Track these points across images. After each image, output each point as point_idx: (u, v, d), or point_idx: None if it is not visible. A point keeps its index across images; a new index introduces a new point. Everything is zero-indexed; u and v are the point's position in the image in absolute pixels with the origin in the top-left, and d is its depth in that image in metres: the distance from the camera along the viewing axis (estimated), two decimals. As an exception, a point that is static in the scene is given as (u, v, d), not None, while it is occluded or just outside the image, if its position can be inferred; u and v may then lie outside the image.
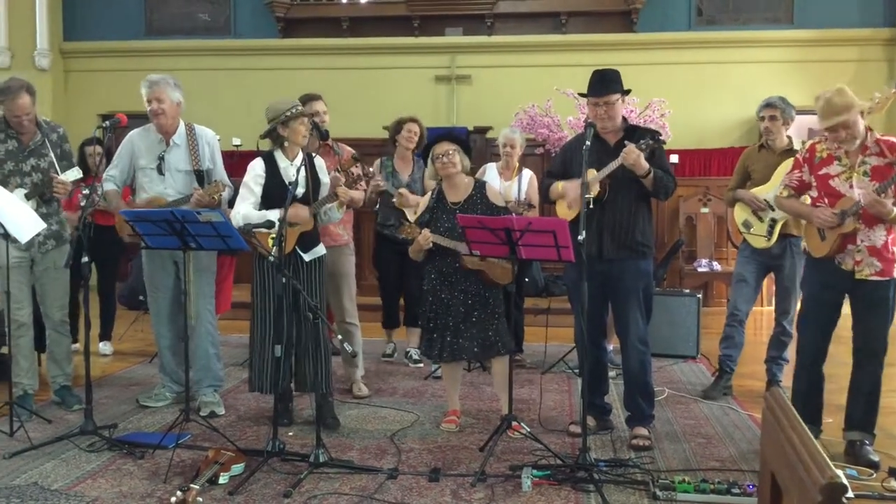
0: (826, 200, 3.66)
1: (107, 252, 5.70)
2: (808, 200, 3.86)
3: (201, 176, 4.40)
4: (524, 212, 5.09)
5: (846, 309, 3.78)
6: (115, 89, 9.94)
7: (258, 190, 4.09)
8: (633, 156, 3.67)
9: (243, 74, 10.05)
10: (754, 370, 5.20)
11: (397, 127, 5.50)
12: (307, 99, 4.78)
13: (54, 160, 4.40)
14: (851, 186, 3.61)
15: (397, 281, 5.57)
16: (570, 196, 3.94)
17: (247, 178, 4.15)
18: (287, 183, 3.99)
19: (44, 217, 4.38)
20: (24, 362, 4.47)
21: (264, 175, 4.09)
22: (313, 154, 4.29)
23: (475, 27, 10.02)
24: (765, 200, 4.61)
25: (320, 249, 4.27)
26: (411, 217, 4.56)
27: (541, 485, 3.34)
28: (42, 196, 4.39)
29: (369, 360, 5.53)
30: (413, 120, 5.48)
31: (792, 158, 4.13)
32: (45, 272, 4.45)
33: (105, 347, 6.06)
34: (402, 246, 4.44)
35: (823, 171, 3.70)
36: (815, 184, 3.75)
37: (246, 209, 4.05)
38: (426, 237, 3.98)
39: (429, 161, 4.19)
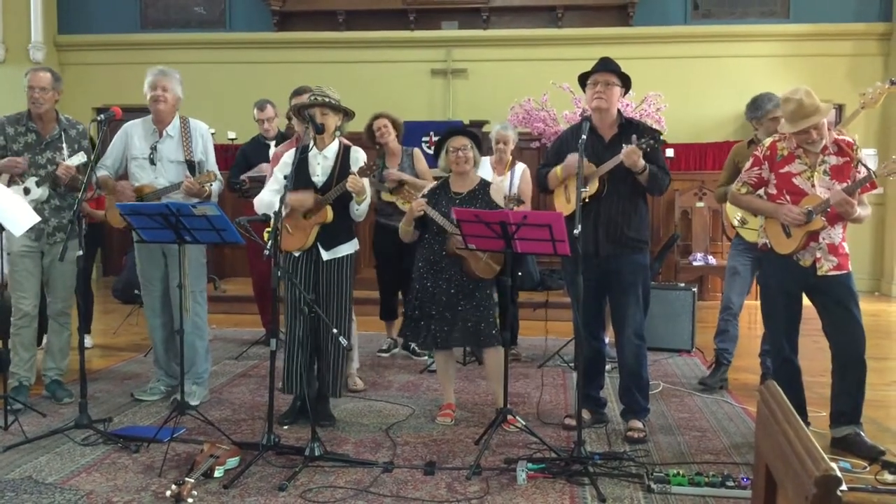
0: (788, 198, 3.69)
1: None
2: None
3: (193, 166, 4.40)
4: (514, 207, 5.07)
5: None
6: (110, 82, 9.92)
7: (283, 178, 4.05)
8: (634, 157, 3.70)
9: (238, 68, 10.02)
10: (748, 363, 5.21)
11: (369, 129, 5.52)
12: (297, 92, 4.75)
13: (67, 154, 4.45)
14: (814, 185, 3.65)
15: (396, 271, 5.54)
16: (568, 171, 3.94)
17: (276, 167, 4.22)
18: (310, 172, 4.04)
19: (57, 209, 4.47)
20: (25, 353, 4.47)
21: (291, 164, 4.01)
22: (350, 145, 4.21)
23: (471, 21, 10.00)
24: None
25: (347, 248, 4.16)
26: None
27: (536, 478, 3.34)
28: (55, 186, 4.43)
29: (365, 353, 5.53)
30: (378, 117, 5.50)
31: None
32: (52, 264, 4.48)
33: (86, 340, 6.02)
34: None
35: (785, 169, 3.73)
36: (774, 181, 3.77)
37: (262, 195, 4.13)
38: (419, 203, 4.03)
39: (442, 153, 4.17)
